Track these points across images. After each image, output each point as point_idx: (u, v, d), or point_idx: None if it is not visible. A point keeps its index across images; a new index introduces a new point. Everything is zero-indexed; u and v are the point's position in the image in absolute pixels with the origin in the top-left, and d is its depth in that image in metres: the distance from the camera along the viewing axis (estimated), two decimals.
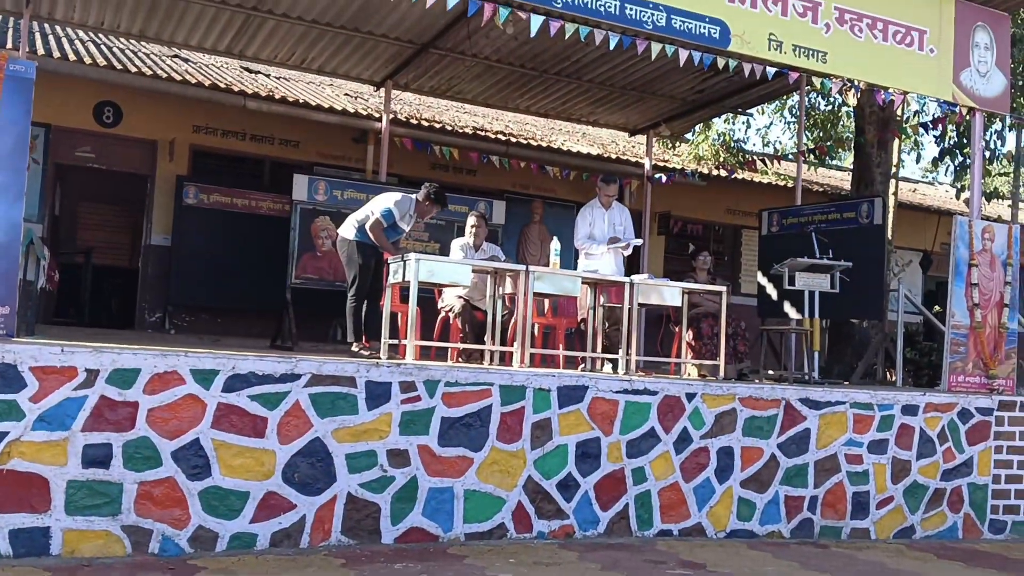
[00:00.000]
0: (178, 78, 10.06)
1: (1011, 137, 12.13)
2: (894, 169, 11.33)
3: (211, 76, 10.76)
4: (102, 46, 10.82)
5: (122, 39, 10.82)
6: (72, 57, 9.62)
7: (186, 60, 11.54)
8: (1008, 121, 10.94)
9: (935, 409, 6.79)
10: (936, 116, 10.59)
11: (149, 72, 9.92)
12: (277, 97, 10.46)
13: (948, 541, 6.72)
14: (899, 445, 6.63)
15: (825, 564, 5.58)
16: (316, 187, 9.41)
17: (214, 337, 9.08)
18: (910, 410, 6.68)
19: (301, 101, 10.66)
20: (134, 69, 9.83)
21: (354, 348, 6.70)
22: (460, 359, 6.76)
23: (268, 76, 12.11)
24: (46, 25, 10.19)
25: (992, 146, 11.42)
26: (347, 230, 6.95)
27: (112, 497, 4.52)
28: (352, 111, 10.86)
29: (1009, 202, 13.58)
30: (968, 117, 7.76)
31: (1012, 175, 13.54)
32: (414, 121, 11.34)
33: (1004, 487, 7.07)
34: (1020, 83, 10.82)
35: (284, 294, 8.83)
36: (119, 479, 4.54)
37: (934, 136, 11.68)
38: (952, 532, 6.82)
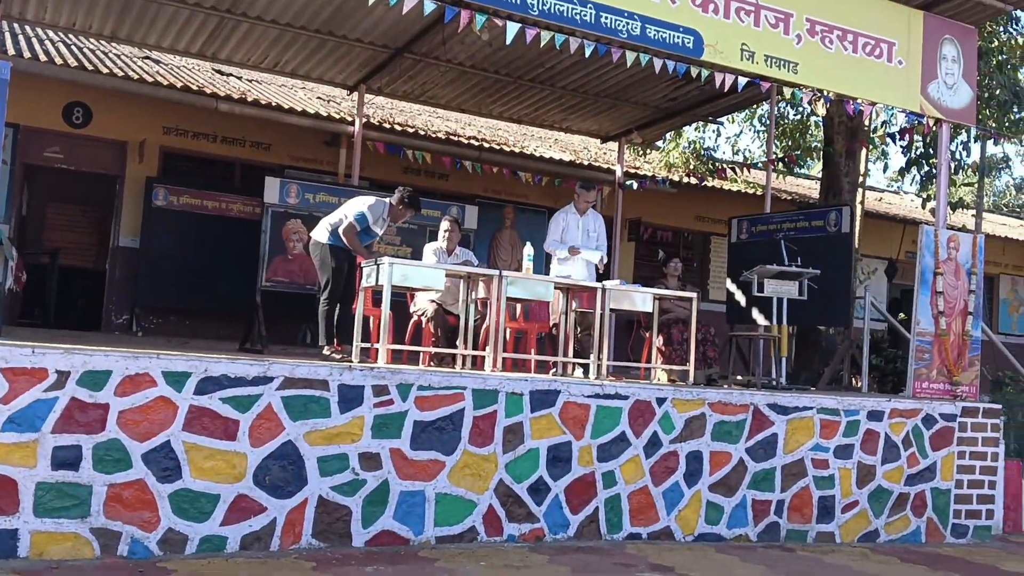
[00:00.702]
0: (149, 79, 9.98)
1: (976, 148, 12.34)
2: (861, 178, 11.50)
3: (182, 78, 10.69)
4: (73, 47, 10.72)
5: (93, 40, 10.73)
6: (43, 58, 9.52)
7: (157, 62, 11.46)
8: (974, 132, 11.14)
9: (900, 415, 6.91)
10: (904, 127, 10.76)
11: (120, 73, 9.84)
12: (249, 100, 10.41)
13: (911, 545, 6.83)
14: (864, 450, 6.73)
15: (791, 567, 5.66)
16: (288, 190, 9.37)
17: (182, 339, 9.01)
18: (875, 416, 6.79)
19: (273, 104, 10.62)
20: (105, 70, 9.75)
21: (326, 352, 6.69)
22: (432, 363, 6.77)
23: (240, 78, 12.06)
24: (16, 25, 10.07)
25: (958, 157, 11.61)
26: (320, 233, 6.94)
27: (81, 499, 4.49)
28: (325, 114, 10.84)
29: (974, 212, 13.82)
30: (935, 128, 7.91)
31: (977, 185, 13.79)
32: (387, 125, 11.34)
33: (966, 492, 7.19)
34: (986, 95, 11.02)
35: (254, 297, 8.78)
36: (88, 481, 4.51)
37: (901, 146, 11.86)
38: (915, 536, 6.94)
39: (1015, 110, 11.29)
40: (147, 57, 11.45)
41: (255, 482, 4.89)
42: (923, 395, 7.29)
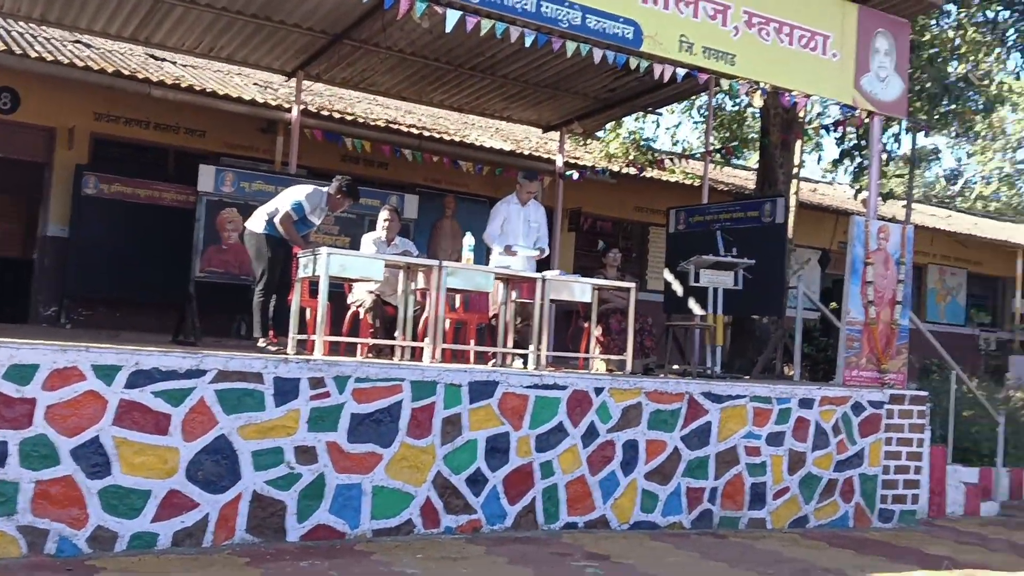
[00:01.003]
0: (80, 64, 9.71)
1: (907, 140, 12.64)
2: (796, 170, 11.71)
3: (114, 63, 10.41)
4: (0, 30, 10.38)
5: (22, 23, 10.38)
6: None
7: (88, 45, 11.15)
8: (905, 125, 11.40)
9: (830, 402, 7.07)
10: (837, 119, 10.96)
11: (49, 57, 9.54)
12: (183, 85, 10.19)
13: (840, 530, 7.01)
14: (795, 437, 6.88)
15: (723, 554, 5.76)
16: (223, 178, 9.21)
17: (113, 332, 8.79)
18: (806, 403, 6.93)
19: (208, 90, 10.41)
20: (33, 54, 9.44)
21: (260, 344, 6.60)
22: (370, 355, 6.73)
23: (175, 64, 11.79)
24: None
25: (889, 149, 11.88)
26: (255, 223, 6.84)
27: (7, 496, 4.38)
28: (261, 101, 10.66)
29: (904, 203, 14.17)
30: (867, 120, 8.07)
31: (907, 177, 14.14)
32: (325, 112, 11.20)
33: (893, 477, 7.40)
34: (917, 88, 11.28)
35: (187, 287, 8.62)
36: (15, 478, 4.40)
37: (835, 138, 12.09)
38: (844, 521, 7.12)
39: (944, 103, 11.57)
40: (77, 41, 11.13)
41: (187, 477, 4.81)
42: (852, 383, 7.46)
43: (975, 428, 9.79)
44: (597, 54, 6.79)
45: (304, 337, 6.28)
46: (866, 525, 7.23)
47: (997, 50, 11.36)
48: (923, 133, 12.42)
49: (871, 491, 7.27)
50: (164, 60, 11.71)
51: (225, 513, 4.90)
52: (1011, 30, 11.23)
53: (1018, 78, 12.68)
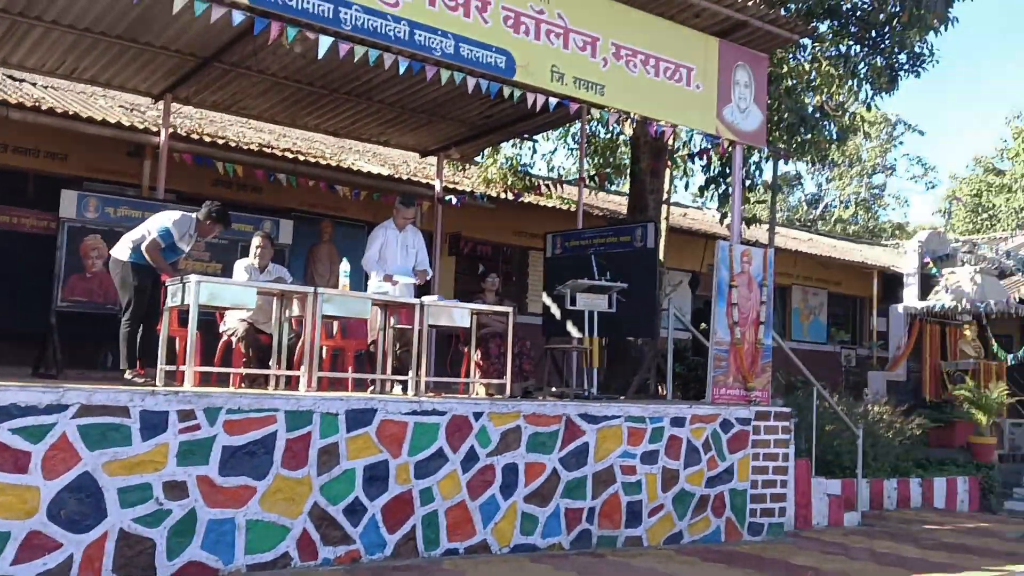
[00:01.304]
0: None
1: (769, 167, 13.23)
2: (666, 196, 12.08)
3: None
4: None
5: None
6: None
7: None
8: (765, 153, 11.93)
9: (700, 420, 7.31)
10: (702, 147, 11.39)
11: None
12: (44, 108, 9.76)
13: (712, 544, 7.24)
14: (668, 455, 7.08)
15: (602, 572, 5.87)
16: (86, 204, 8.85)
17: None
18: (678, 422, 7.15)
19: (71, 112, 10.00)
20: None
21: (127, 376, 6.37)
22: (243, 385, 6.58)
23: (35, 84, 11.29)
24: None
25: (752, 175, 12.40)
26: (121, 251, 6.61)
27: None
28: (127, 124, 10.31)
29: (767, 226, 14.81)
30: (730, 149, 8.44)
31: (770, 202, 14.79)
32: (195, 136, 10.92)
33: (761, 491, 7.69)
34: (775, 118, 11.84)
35: (48, 318, 8.23)
36: None
37: (701, 166, 12.55)
38: (716, 536, 7.36)
39: (802, 132, 12.16)
40: None
41: (49, 517, 4.60)
42: (721, 401, 7.74)
43: (836, 441, 10.29)
44: (471, 82, 6.89)
45: (173, 368, 6.09)
46: (737, 539, 7.49)
47: (849, 82, 12.03)
48: (783, 161, 13.01)
49: (741, 505, 7.54)
50: (23, 81, 11.20)
51: (90, 553, 4.69)
52: (861, 63, 11.93)
53: (869, 109, 13.43)
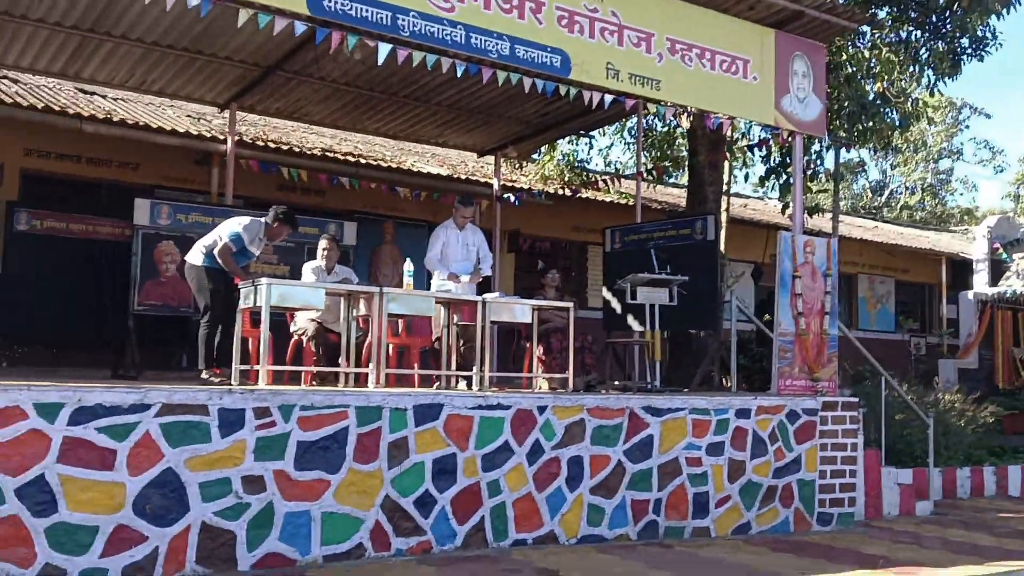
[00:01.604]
0: (8, 100, 9.60)
1: (830, 156, 13.06)
2: (726, 187, 12.02)
3: (43, 98, 10.31)
4: None
5: None
6: None
7: (16, 81, 11.01)
8: (826, 142, 11.79)
9: (766, 411, 7.29)
10: (761, 138, 11.31)
11: None
12: (115, 119, 10.13)
13: (781, 535, 7.21)
14: (734, 447, 7.08)
15: (669, 562, 5.92)
16: (159, 211, 9.16)
17: (50, 369, 8.67)
18: (743, 413, 7.15)
19: (141, 123, 10.35)
20: None
21: (204, 375, 6.60)
22: (314, 382, 6.77)
23: (105, 97, 11.70)
24: None
25: (814, 164, 12.27)
26: (195, 256, 6.85)
27: None
28: (195, 133, 10.63)
29: (831, 215, 14.63)
30: (789, 139, 8.38)
31: (832, 191, 14.60)
32: (260, 143, 11.21)
33: (829, 481, 7.64)
34: (835, 107, 11.69)
35: (126, 322, 8.55)
36: None
37: (760, 156, 12.46)
38: (784, 526, 7.33)
39: (863, 119, 11.99)
40: (4, 77, 10.98)
41: (135, 511, 4.81)
42: (787, 392, 7.71)
43: (907, 431, 10.13)
44: (527, 83, 6.98)
45: (247, 367, 6.30)
46: (806, 529, 7.45)
47: (911, 68, 11.83)
48: (844, 149, 12.83)
49: (809, 496, 7.50)
50: (95, 94, 11.61)
51: (174, 545, 4.89)
52: (923, 49, 11.73)
53: (932, 94, 13.17)
